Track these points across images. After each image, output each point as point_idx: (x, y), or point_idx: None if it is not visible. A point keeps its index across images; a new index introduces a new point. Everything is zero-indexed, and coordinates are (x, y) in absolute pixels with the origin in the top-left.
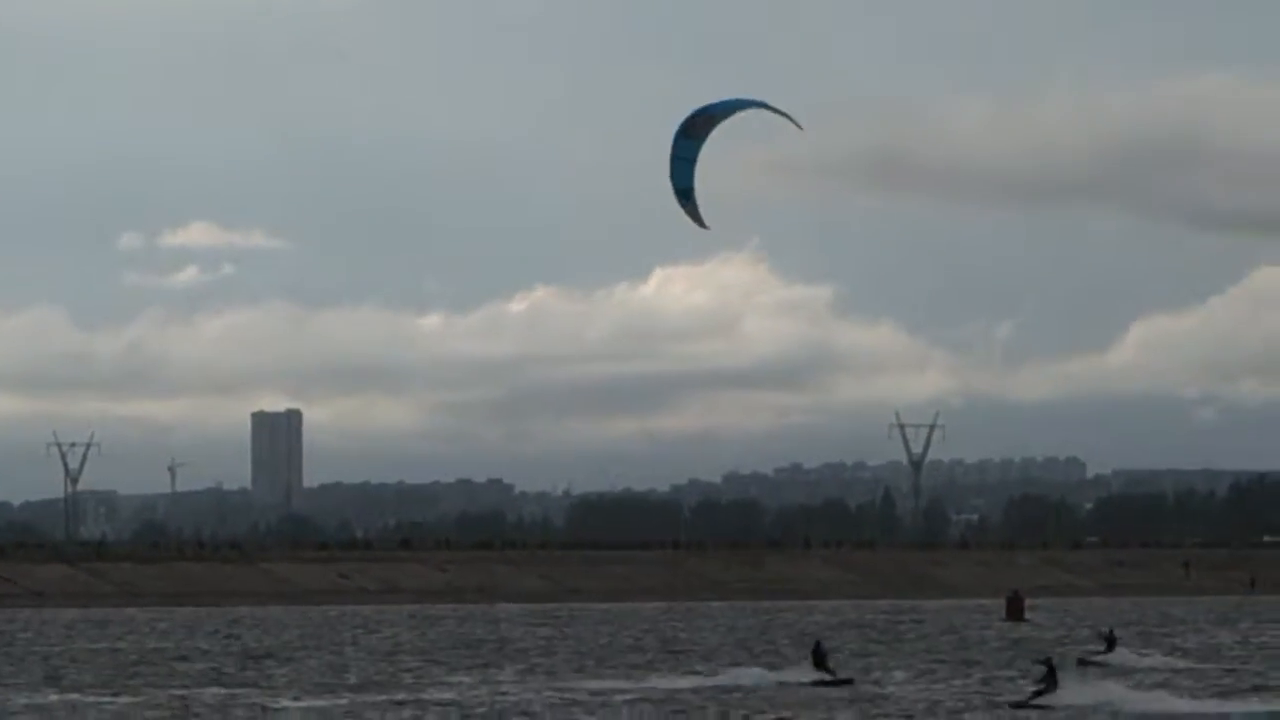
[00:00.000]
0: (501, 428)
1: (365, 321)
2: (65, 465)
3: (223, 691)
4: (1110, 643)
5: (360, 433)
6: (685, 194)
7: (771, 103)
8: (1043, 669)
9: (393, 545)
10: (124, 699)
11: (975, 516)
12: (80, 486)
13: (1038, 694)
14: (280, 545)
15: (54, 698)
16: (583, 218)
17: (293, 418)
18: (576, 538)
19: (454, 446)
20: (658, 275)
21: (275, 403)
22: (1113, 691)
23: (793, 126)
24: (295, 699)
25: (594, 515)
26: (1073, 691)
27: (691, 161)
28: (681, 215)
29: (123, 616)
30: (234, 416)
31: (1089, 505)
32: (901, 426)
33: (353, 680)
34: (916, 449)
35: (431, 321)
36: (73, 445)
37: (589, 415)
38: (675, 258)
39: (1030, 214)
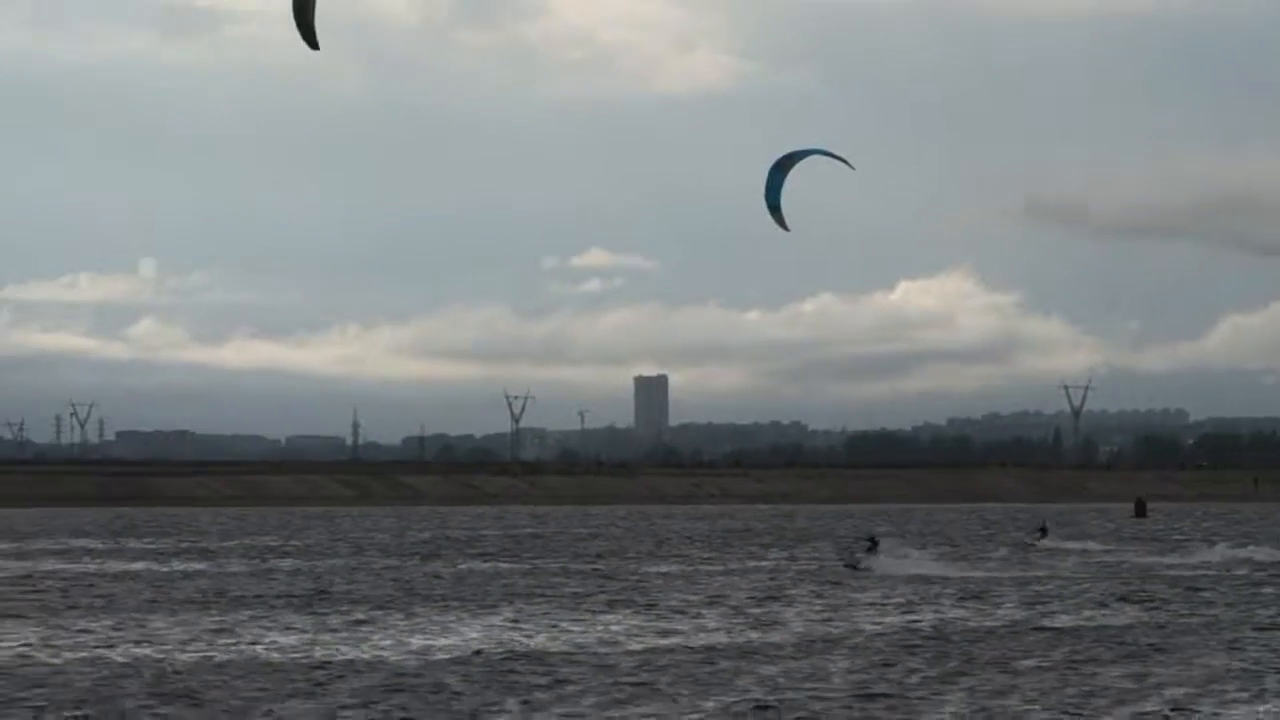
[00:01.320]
0: (800, 387)
1: (708, 316)
2: (511, 411)
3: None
4: (1043, 531)
5: (706, 390)
6: (775, 209)
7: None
8: (867, 543)
9: (729, 465)
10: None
11: (1115, 449)
12: (521, 425)
13: (865, 556)
14: (653, 465)
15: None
16: (849, 247)
17: (661, 380)
18: (852, 461)
19: (768, 400)
20: (902, 285)
21: (649, 370)
22: (908, 563)
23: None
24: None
25: (863, 446)
26: (886, 561)
27: (779, 188)
28: (914, 241)
29: (559, 513)
30: (622, 379)
31: (1191, 442)
32: (1066, 388)
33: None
34: (1076, 403)
35: (752, 315)
36: (516, 397)
37: (857, 379)
38: (914, 274)
39: (1144, 243)
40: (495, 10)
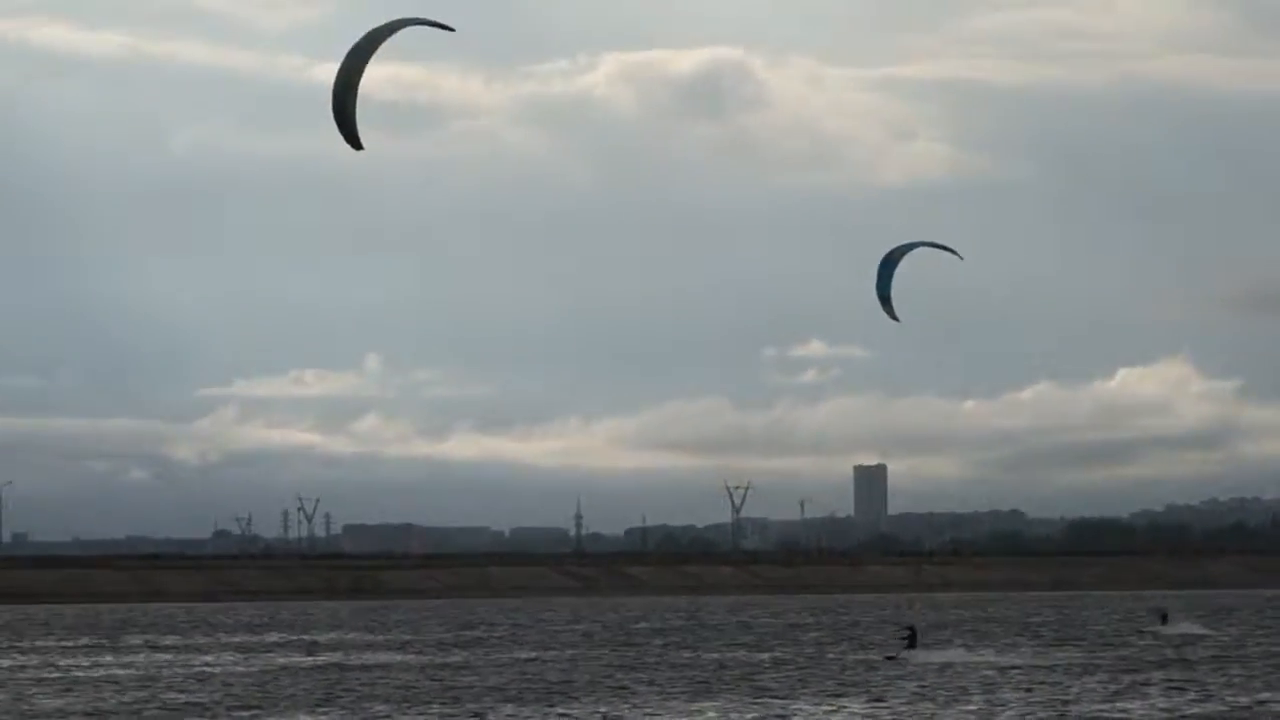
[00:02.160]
0: (1018, 475)
1: (926, 405)
2: (732, 501)
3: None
4: (1164, 618)
5: (924, 478)
6: (885, 300)
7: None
8: (907, 632)
9: (947, 553)
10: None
11: None
12: (742, 515)
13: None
14: (873, 553)
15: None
16: (1067, 335)
17: (880, 469)
18: (1071, 548)
19: (986, 488)
20: (1121, 374)
21: (868, 459)
22: (952, 654)
23: None
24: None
25: (1082, 533)
26: (925, 653)
27: (889, 280)
28: (1133, 328)
29: (774, 602)
30: (841, 469)
31: None
32: None
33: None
34: None
35: (969, 404)
36: (736, 488)
37: (1076, 467)
38: (1133, 362)
39: None
40: (718, 103)
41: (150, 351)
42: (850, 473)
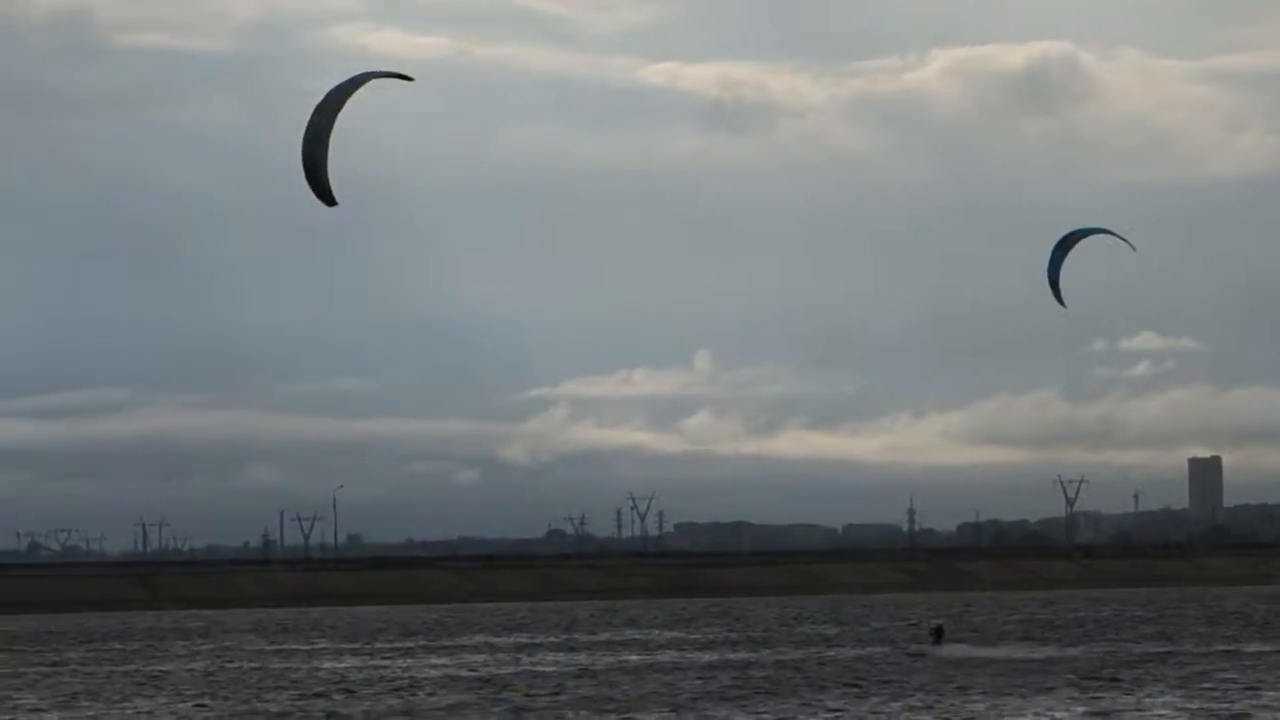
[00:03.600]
0: None
1: (1260, 396)
2: (1065, 495)
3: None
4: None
5: (1260, 471)
6: (1054, 284)
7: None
8: (934, 630)
9: None
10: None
11: None
12: (1074, 509)
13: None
14: (1208, 546)
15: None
16: None
17: (1214, 461)
18: None
19: None
20: None
21: (1202, 451)
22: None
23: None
24: None
25: None
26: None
27: (1059, 265)
28: None
29: (1111, 596)
30: (1175, 462)
31: None
32: None
33: None
34: None
35: None
36: (1070, 482)
37: None
38: None
39: None
40: (1049, 98)
41: (481, 353)
42: (1184, 465)
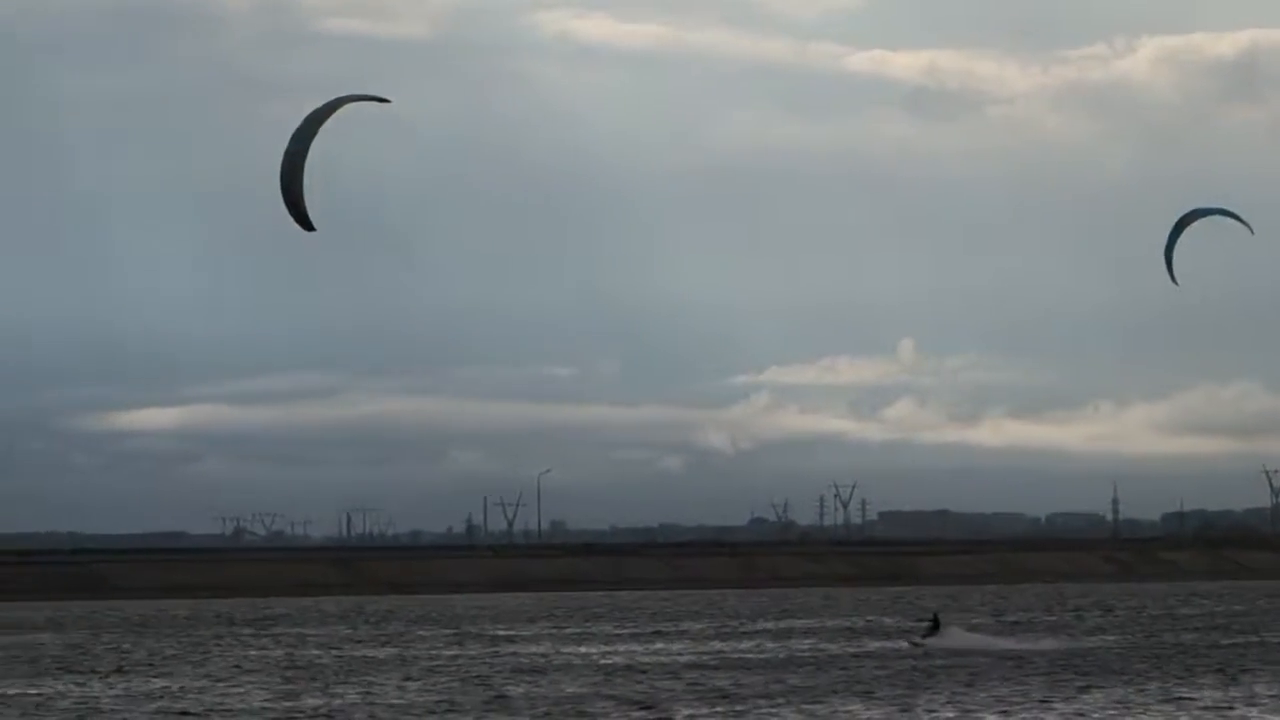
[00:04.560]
0: None
1: None
2: (1270, 485)
3: None
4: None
5: None
6: (1168, 262)
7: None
8: (930, 620)
9: None
10: None
11: None
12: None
13: (925, 636)
14: None
15: None
16: None
17: None
18: None
19: None
20: None
21: None
22: (974, 639)
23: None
24: None
25: None
26: (950, 638)
27: (1173, 243)
28: None
29: None
30: None
31: None
32: None
33: None
34: None
35: None
36: (1276, 471)
37: None
38: None
39: None
40: (1261, 87)
41: (683, 341)
42: None
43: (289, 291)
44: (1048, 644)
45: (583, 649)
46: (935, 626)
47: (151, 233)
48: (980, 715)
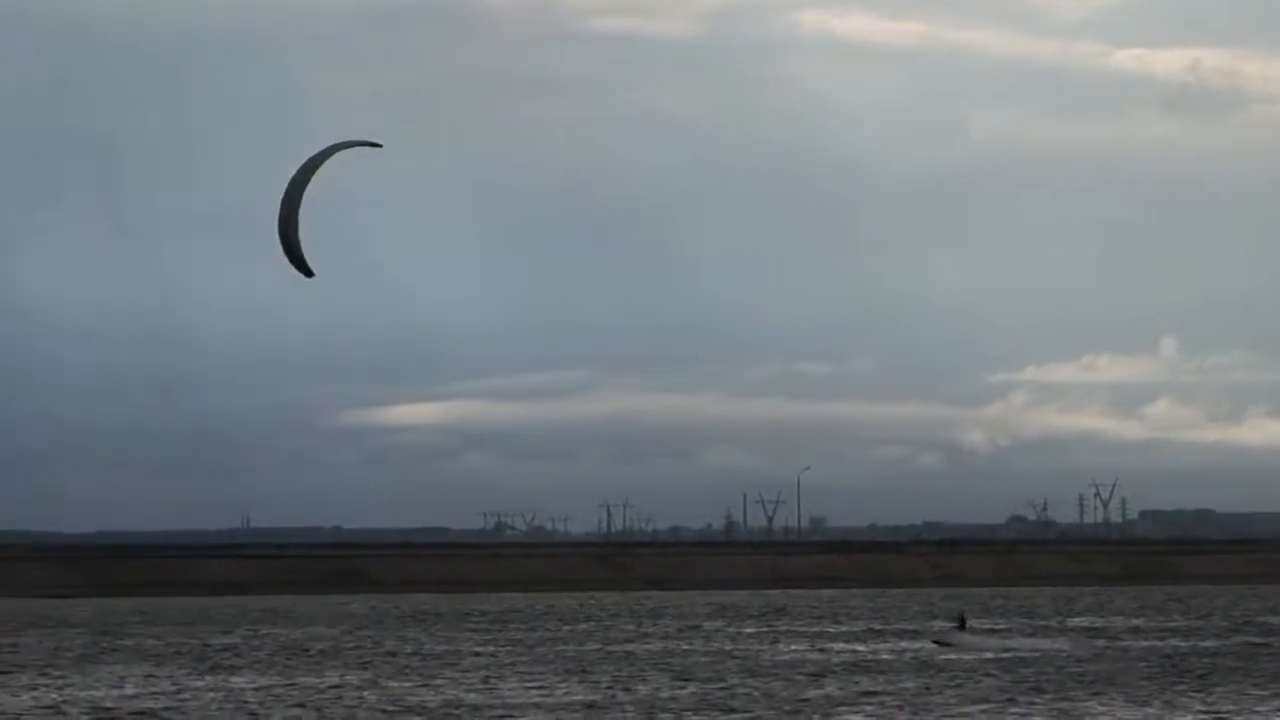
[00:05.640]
0: None
1: None
2: None
3: None
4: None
5: None
6: None
7: None
8: (956, 619)
9: None
10: None
11: None
12: None
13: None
14: None
15: None
16: None
17: None
18: None
19: None
20: None
21: None
22: (995, 640)
23: None
24: None
25: None
26: (974, 638)
27: None
28: None
29: None
30: None
31: None
32: None
33: None
34: None
35: None
36: None
37: None
38: None
39: None
40: None
41: (941, 338)
42: None
43: (547, 289)
44: (1062, 644)
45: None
46: (961, 626)
47: (419, 230)
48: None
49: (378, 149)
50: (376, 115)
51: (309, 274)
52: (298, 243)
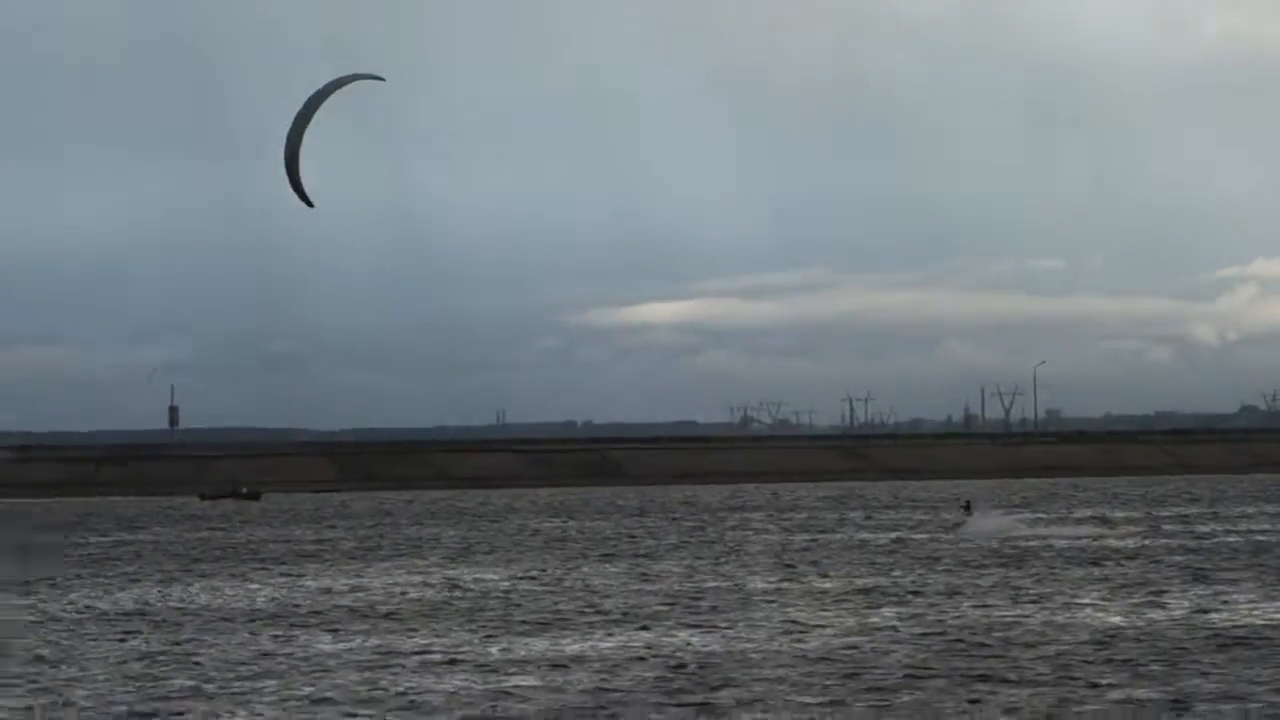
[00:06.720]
0: None
1: None
2: None
3: None
4: (967, 508)
5: None
6: None
7: None
8: (964, 508)
9: None
10: None
11: None
12: None
13: (958, 524)
14: None
15: None
16: None
17: None
18: None
19: None
20: None
21: None
22: (1005, 524)
23: None
24: None
25: None
26: (980, 522)
27: None
28: None
29: None
30: None
31: None
32: None
33: None
34: None
35: None
36: None
37: None
38: None
39: None
40: None
41: (1172, 233)
42: None
43: (794, 189)
44: (1082, 530)
45: None
46: (968, 511)
47: (676, 133)
48: None
49: (380, 81)
50: (642, 19)
51: (310, 205)
52: (299, 178)
